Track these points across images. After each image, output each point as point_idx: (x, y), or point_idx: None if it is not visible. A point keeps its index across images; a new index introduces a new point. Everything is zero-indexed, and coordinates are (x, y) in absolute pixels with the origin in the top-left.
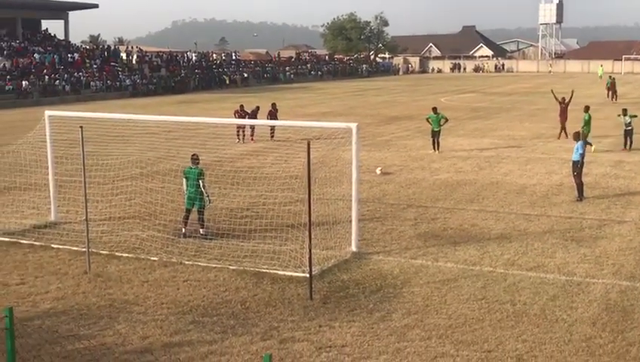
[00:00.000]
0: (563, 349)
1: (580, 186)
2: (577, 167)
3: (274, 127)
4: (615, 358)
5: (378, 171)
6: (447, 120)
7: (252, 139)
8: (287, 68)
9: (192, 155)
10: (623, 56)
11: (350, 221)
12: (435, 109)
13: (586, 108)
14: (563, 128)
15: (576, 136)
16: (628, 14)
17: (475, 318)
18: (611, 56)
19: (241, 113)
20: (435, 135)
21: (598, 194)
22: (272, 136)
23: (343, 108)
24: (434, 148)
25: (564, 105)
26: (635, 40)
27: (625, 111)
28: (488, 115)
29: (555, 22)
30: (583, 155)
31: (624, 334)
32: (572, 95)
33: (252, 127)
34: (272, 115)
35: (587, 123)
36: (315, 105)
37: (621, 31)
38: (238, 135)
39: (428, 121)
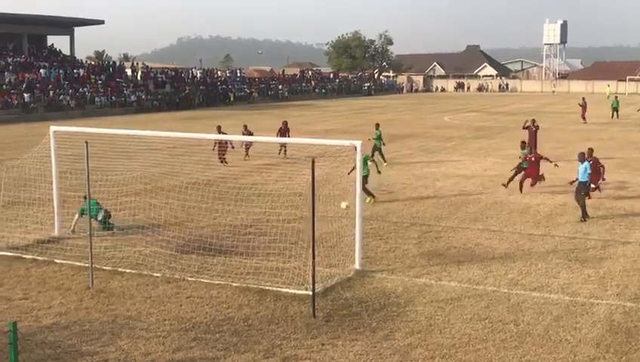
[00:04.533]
0: None
1: (584, 207)
2: (585, 187)
3: (285, 144)
4: None
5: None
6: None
7: (247, 155)
8: (290, 85)
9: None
10: (627, 77)
11: (354, 239)
12: (377, 125)
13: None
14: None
15: (582, 157)
16: (632, 35)
17: (479, 338)
18: (615, 76)
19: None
20: (377, 149)
21: (602, 214)
22: (285, 153)
23: (347, 125)
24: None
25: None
26: (639, 61)
27: None
28: (492, 134)
29: (559, 42)
30: (590, 175)
31: (628, 356)
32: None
33: (248, 145)
34: (284, 132)
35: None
36: (319, 122)
37: (625, 51)
38: (220, 158)
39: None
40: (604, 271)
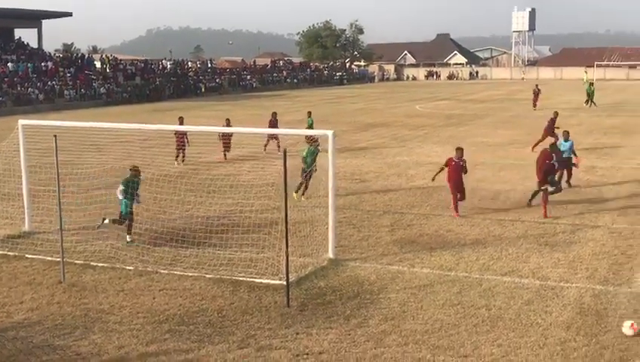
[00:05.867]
0: (538, 353)
1: (557, 183)
2: (565, 163)
3: (277, 137)
4: (589, 361)
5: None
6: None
7: (224, 159)
8: (261, 75)
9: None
10: (595, 63)
11: (327, 228)
12: (309, 113)
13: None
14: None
15: (566, 135)
16: (600, 22)
17: (452, 323)
18: (583, 62)
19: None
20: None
21: (571, 199)
22: (278, 146)
23: (319, 115)
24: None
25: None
26: (606, 47)
27: None
28: (463, 121)
29: (527, 29)
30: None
31: (598, 337)
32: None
33: (229, 143)
34: (274, 124)
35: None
36: (291, 113)
37: (593, 38)
38: (177, 156)
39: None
40: (574, 255)
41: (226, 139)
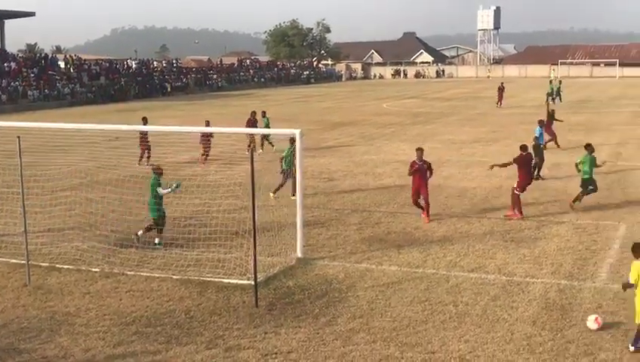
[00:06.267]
0: (504, 348)
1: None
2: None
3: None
4: (555, 356)
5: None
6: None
7: (204, 161)
8: (228, 74)
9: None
10: (559, 61)
11: (295, 227)
12: (264, 113)
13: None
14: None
15: (541, 123)
16: (564, 20)
17: (419, 320)
18: (548, 60)
19: (206, 135)
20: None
21: (536, 195)
22: (262, 146)
23: (286, 114)
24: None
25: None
26: (570, 44)
27: None
28: (429, 120)
29: (492, 28)
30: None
31: (563, 332)
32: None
33: (207, 149)
34: (253, 124)
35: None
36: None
37: (557, 35)
38: (142, 156)
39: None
40: (539, 250)
41: (206, 141)
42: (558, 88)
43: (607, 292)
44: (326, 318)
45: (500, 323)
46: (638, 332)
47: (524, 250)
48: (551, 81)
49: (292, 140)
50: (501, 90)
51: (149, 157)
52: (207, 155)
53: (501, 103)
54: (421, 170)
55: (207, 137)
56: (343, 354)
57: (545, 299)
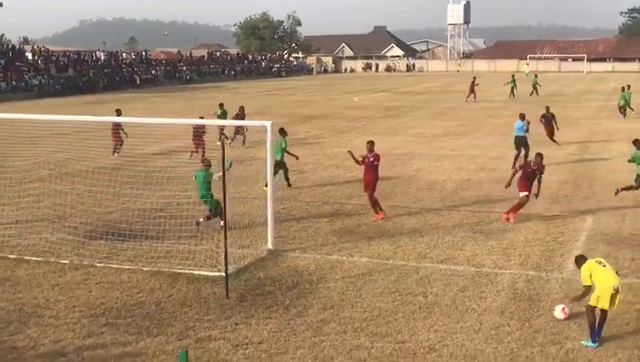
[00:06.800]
0: (473, 338)
1: (521, 157)
2: (523, 140)
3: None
4: (522, 345)
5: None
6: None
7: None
8: (198, 67)
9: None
10: (528, 56)
11: (266, 219)
12: (221, 105)
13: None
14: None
15: (523, 117)
16: (533, 14)
17: (389, 310)
18: (516, 55)
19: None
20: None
21: (504, 189)
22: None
23: (257, 107)
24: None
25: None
26: (539, 39)
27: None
28: (400, 113)
29: (462, 22)
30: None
31: (531, 322)
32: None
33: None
34: (240, 118)
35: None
36: (229, 104)
37: (526, 30)
38: (115, 149)
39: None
40: (507, 242)
41: (199, 136)
42: (535, 82)
43: (574, 283)
44: (297, 309)
45: (468, 314)
46: (591, 329)
47: (492, 242)
48: (535, 75)
49: (281, 131)
50: (473, 84)
51: (116, 148)
52: (202, 150)
53: (475, 97)
54: (369, 165)
55: (199, 134)
56: (313, 344)
57: (513, 290)
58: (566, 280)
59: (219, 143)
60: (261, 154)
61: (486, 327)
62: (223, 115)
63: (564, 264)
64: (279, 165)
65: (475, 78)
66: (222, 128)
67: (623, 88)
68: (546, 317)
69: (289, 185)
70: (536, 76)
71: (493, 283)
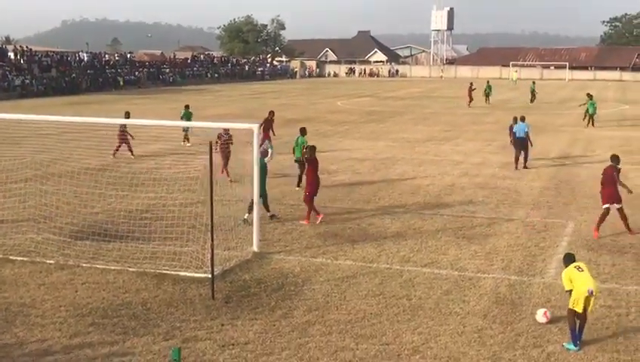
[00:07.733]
0: (456, 340)
1: (521, 159)
2: (522, 143)
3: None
4: (505, 347)
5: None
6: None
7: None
8: (181, 69)
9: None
10: (511, 63)
11: (251, 221)
12: (187, 106)
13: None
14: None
15: (522, 119)
16: (516, 22)
17: (374, 313)
18: (499, 62)
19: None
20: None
21: (487, 193)
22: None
23: (241, 110)
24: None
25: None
26: (522, 47)
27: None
28: (383, 118)
29: (446, 28)
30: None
31: (513, 325)
32: None
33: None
34: (270, 123)
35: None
36: (212, 107)
37: (509, 38)
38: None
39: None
40: (490, 247)
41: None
42: (533, 89)
43: (555, 288)
44: (282, 311)
45: (452, 317)
46: (572, 332)
47: (475, 247)
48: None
49: (302, 131)
50: (471, 89)
51: (116, 150)
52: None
53: (470, 102)
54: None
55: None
56: (299, 345)
57: (495, 294)
58: (547, 285)
59: (182, 144)
60: (246, 156)
61: (469, 330)
62: (187, 117)
63: (545, 269)
64: (299, 163)
65: (471, 83)
66: (185, 130)
67: (590, 96)
68: (528, 321)
69: (299, 185)
70: (534, 83)
71: (476, 287)
